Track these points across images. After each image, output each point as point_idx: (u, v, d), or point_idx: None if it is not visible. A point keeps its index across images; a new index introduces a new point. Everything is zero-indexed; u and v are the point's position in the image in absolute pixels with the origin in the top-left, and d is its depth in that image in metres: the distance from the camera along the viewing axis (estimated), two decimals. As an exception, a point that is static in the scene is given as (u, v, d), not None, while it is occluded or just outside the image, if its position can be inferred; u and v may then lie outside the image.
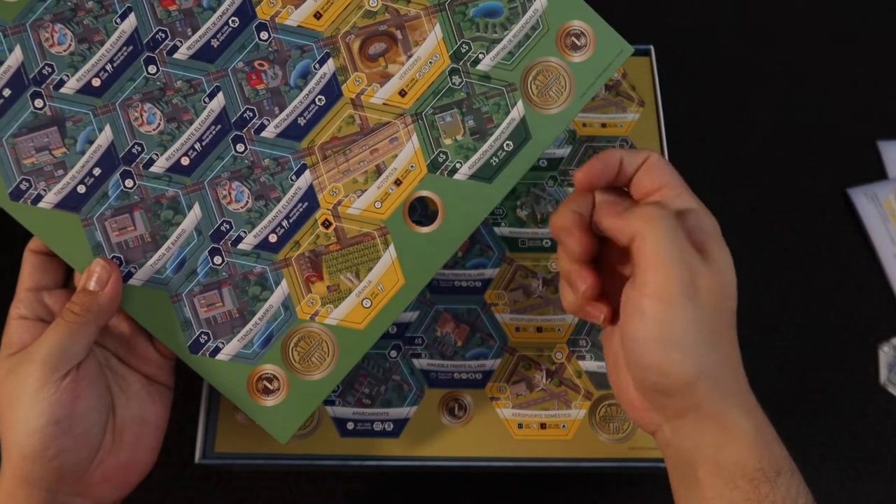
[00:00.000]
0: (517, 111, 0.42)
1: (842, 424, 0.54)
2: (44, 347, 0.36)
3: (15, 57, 0.39)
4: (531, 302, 0.50)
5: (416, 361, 0.49)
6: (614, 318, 0.37)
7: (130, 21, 0.40)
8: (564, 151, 0.53)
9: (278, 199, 0.41)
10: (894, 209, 0.60)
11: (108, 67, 0.40)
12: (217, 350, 0.41)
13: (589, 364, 0.50)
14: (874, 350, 0.56)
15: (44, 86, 0.40)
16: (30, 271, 0.40)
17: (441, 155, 0.42)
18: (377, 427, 0.47)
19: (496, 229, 0.52)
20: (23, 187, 0.40)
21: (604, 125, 0.54)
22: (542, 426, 0.48)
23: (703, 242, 0.34)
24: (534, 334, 0.50)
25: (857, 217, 0.60)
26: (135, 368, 0.42)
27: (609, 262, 0.39)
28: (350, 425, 0.47)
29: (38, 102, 0.40)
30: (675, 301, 0.32)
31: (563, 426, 0.48)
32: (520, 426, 0.48)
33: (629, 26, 0.65)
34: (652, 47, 0.55)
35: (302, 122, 0.41)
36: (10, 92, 0.40)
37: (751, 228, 0.59)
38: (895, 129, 0.63)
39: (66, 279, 0.42)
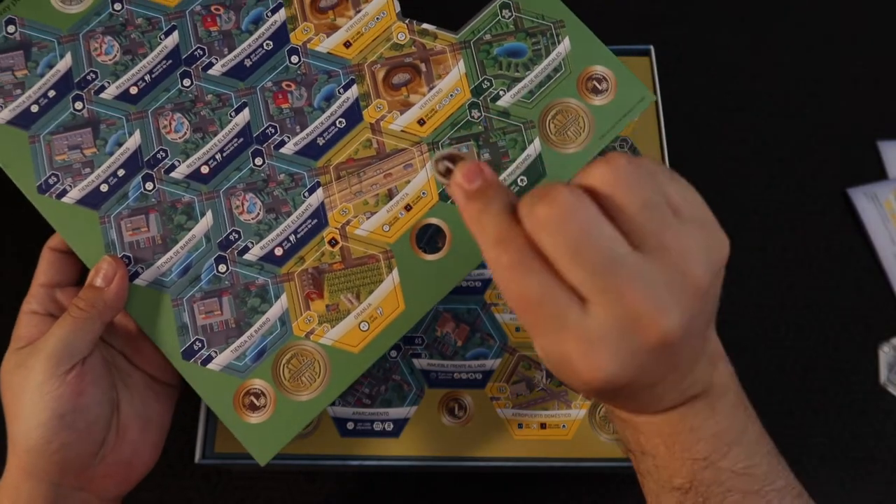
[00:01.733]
0: (534, 148, 0.42)
1: (842, 424, 0.53)
2: (50, 342, 0.37)
3: (65, 62, 0.42)
4: None
5: (416, 361, 0.48)
6: None
7: (173, 38, 0.42)
8: None
9: (288, 214, 0.41)
10: (894, 209, 0.59)
11: (147, 77, 0.42)
12: (209, 359, 0.40)
13: None
14: (874, 350, 0.55)
15: (86, 90, 0.42)
16: (45, 268, 0.41)
17: (454, 184, 0.41)
18: (377, 427, 0.46)
19: None
20: (51, 181, 0.41)
21: None
22: (542, 426, 0.47)
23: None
24: None
25: (857, 217, 0.59)
26: (140, 368, 0.42)
27: None
28: (350, 425, 0.46)
29: (78, 105, 0.42)
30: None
31: (563, 426, 0.47)
32: (520, 426, 0.47)
33: (629, 26, 0.66)
34: (652, 47, 0.55)
35: (321, 142, 0.42)
36: (54, 93, 0.42)
37: (751, 228, 0.59)
38: (895, 129, 0.63)
39: (79, 278, 0.42)
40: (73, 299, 0.38)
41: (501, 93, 0.43)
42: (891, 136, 0.62)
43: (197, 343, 0.41)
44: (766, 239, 0.59)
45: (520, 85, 0.43)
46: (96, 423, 0.37)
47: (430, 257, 0.41)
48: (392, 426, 0.47)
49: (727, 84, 0.64)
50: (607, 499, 0.50)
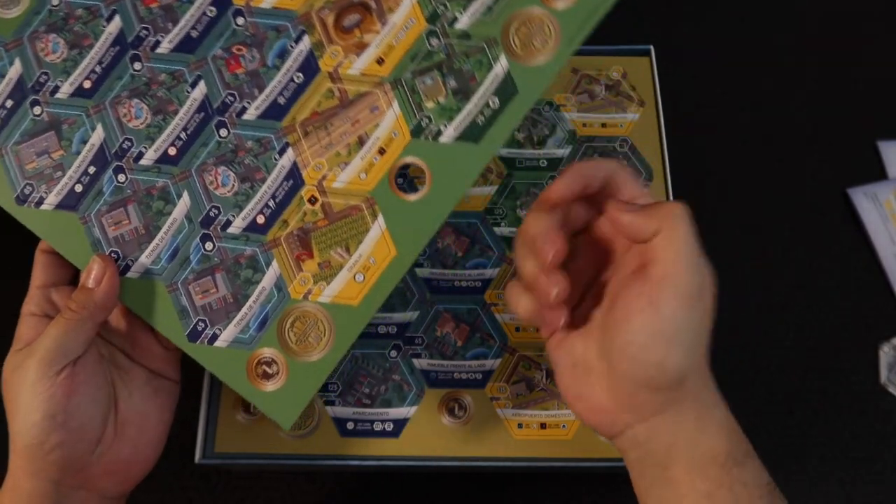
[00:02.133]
0: (500, 66, 0.40)
1: (842, 424, 0.54)
2: (42, 343, 0.37)
3: (15, 69, 0.41)
4: None
5: (416, 361, 0.48)
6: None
7: (116, 23, 0.41)
8: (564, 151, 0.53)
9: (263, 180, 0.41)
10: (894, 209, 0.59)
11: (98, 69, 0.41)
12: (215, 337, 0.40)
13: None
14: (874, 350, 0.56)
15: (41, 93, 0.41)
16: (39, 270, 0.42)
17: (424, 119, 0.40)
18: (377, 427, 0.47)
19: (496, 229, 0.51)
20: (27, 191, 0.41)
21: (604, 125, 0.54)
22: (542, 426, 0.47)
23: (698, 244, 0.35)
24: (534, 334, 0.49)
25: (857, 217, 0.60)
26: (139, 363, 0.42)
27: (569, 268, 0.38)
28: (350, 425, 0.47)
29: (37, 109, 0.41)
30: (691, 300, 0.33)
31: (563, 426, 0.47)
32: (520, 426, 0.47)
33: (629, 26, 0.65)
34: (652, 47, 0.55)
35: (282, 101, 0.41)
36: (11, 103, 0.41)
37: (751, 228, 0.59)
38: (895, 129, 0.63)
39: (73, 276, 0.43)
40: (66, 301, 0.39)
41: (458, 14, 0.41)
42: (891, 136, 0.62)
43: (200, 323, 0.41)
44: (766, 239, 0.59)
45: (477, 3, 0.41)
46: (90, 423, 0.38)
47: (412, 197, 0.40)
48: (392, 426, 0.47)
49: (727, 84, 0.64)
50: (607, 499, 0.51)
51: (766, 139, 0.62)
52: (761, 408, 0.53)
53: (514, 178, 0.52)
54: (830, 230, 0.59)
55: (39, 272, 0.42)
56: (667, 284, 0.33)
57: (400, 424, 0.47)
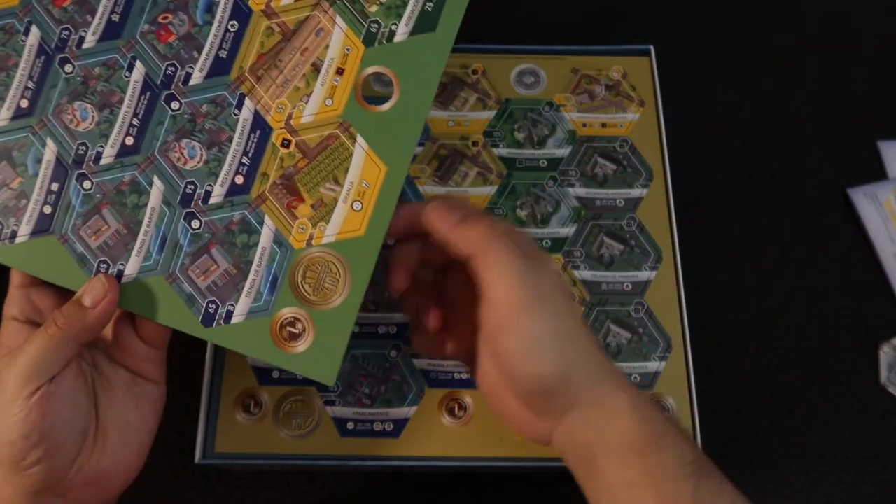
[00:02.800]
0: (431, -52, 0.38)
1: (842, 424, 0.54)
2: (19, 360, 0.35)
3: (-53, 112, 0.39)
4: None
5: (416, 361, 0.47)
6: (468, 357, 0.40)
7: (34, 34, 0.40)
8: (564, 151, 0.53)
9: (230, 140, 0.38)
10: (894, 209, 0.60)
11: (30, 84, 0.39)
12: (230, 314, 0.38)
13: None
14: (874, 350, 0.56)
15: (-20, 128, 0.39)
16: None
17: (372, 25, 0.38)
18: (377, 427, 0.46)
19: None
20: (-4, 230, 0.39)
21: (604, 125, 0.54)
22: None
23: (530, 251, 0.36)
24: None
25: (857, 217, 0.60)
26: (121, 364, 0.40)
27: (452, 296, 0.41)
28: (350, 425, 0.46)
29: (-19, 145, 0.39)
30: (527, 308, 0.35)
31: None
32: None
33: (629, 26, 0.65)
34: (652, 47, 0.55)
35: (223, 54, 0.39)
36: (-46, 147, 0.39)
37: (751, 228, 0.59)
38: (895, 129, 0.63)
39: None
40: (54, 313, 0.36)
41: (372, -88, 0.38)
42: (891, 136, 0.63)
43: (210, 306, 0.38)
44: (766, 239, 0.58)
45: None
46: (67, 440, 0.36)
47: (385, 107, 0.38)
48: (392, 426, 0.46)
49: (727, 84, 0.64)
50: None
51: (766, 139, 0.62)
52: (761, 408, 0.53)
53: (514, 178, 0.52)
54: (830, 230, 0.59)
55: (18, 271, 0.40)
56: (499, 305, 0.35)
57: (400, 424, 0.46)
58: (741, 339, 0.55)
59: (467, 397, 0.46)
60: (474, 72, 0.54)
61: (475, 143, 0.52)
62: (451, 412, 0.46)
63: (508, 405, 0.38)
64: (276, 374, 0.47)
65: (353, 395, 0.46)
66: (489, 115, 0.53)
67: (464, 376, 0.47)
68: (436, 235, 0.38)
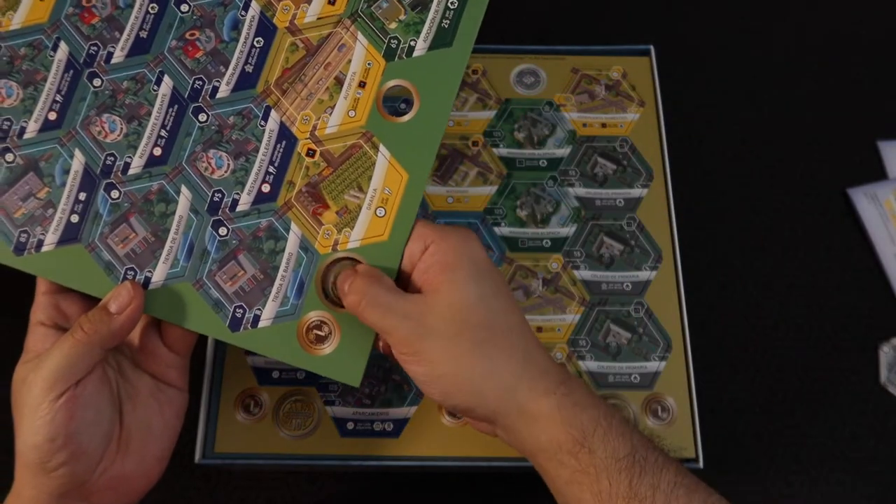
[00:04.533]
0: (447, -31, 0.40)
1: (842, 424, 0.54)
2: (46, 364, 0.37)
3: (-26, 125, 0.40)
4: (531, 302, 0.50)
5: None
6: None
7: (63, 49, 0.41)
8: (564, 151, 0.54)
9: (256, 150, 0.40)
10: (894, 209, 0.60)
11: (58, 98, 0.41)
12: (257, 319, 0.39)
13: (589, 364, 0.49)
14: (874, 350, 0.56)
15: (8, 140, 0.40)
16: None
17: (392, 41, 0.40)
18: (377, 427, 0.47)
19: (496, 229, 0.51)
20: (23, 239, 0.40)
21: (604, 125, 0.54)
22: None
23: (433, 280, 0.37)
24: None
25: (857, 217, 0.60)
26: (145, 370, 0.42)
27: None
28: (350, 425, 0.47)
29: (9, 156, 0.40)
30: (414, 352, 0.36)
31: None
32: None
33: (629, 26, 0.67)
34: (652, 47, 0.56)
35: (249, 69, 0.40)
36: (-19, 159, 0.40)
37: (751, 228, 0.60)
38: (895, 129, 0.63)
39: None
40: (81, 318, 0.38)
41: (390, -64, 0.41)
42: (891, 136, 0.63)
43: (238, 311, 0.39)
44: (766, 239, 0.60)
45: (403, -81, 0.41)
46: (91, 443, 0.38)
47: (406, 118, 0.40)
48: (392, 426, 0.47)
49: (727, 84, 0.65)
50: None
51: (766, 139, 0.63)
52: (761, 408, 0.54)
53: (513, 178, 0.53)
54: (830, 230, 0.60)
55: (44, 278, 0.41)
56: (399, 357, 0.37)
57: (400, 424, 0.47)
58: (741, 339, 0.56)
59: None
60: (474, 72, 0.55)
61: (475, 143, 0.53)
62: (451, 412, 0.47)
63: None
64: (276, 374, 0.48)
65: (353, 395, 0.47)
66: (489, 115, 0.54)
67: None
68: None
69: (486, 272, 0.38)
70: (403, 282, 0.39)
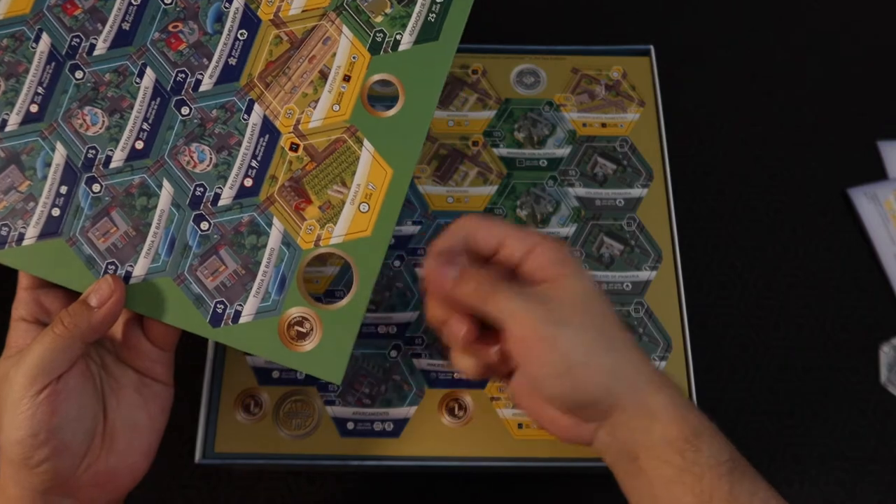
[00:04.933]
0: (435, -40, 0.39)
1: (842, 424, 0.54)
2: (26, 359, 0.36)
3: (-44, 118, 0.40)
4: None
5: (416, 361, 0.48)
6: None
7: (45, 41, 0.41)
8: (564, 151, 0.54)
9: (239, 144, 0.39)
10: (894, 209, 0.60)
11: (40, 90, 0.40)
12: (238, 315, 0.38)
13: None
14: (874, 350, 0.56)
15: (-10, 132, 0.40)
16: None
17: (378, 34, 0.40)
18: (377, 427, 0.46)
19: None
20: (3, 233, 0.40)
21: (604, 125, 0.54)
22: None
23: (549, 273, 0.37)
24: None
25: (857, 217, 0.60)
26: (129, 364, 0.41)
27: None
28: (350, 425, 0.46)
29: (-9, 149, 0.40)
30: (545, 337, 0.35)
31: None
32: (520, 426, 0.47)
33: (629, 26, 0.67)
34: (652, 47, 0.56)
35: (233, 61, 0.40)
36: (-37, 152, 0.40)
37: (751, 228, 0.59)
38: (895, 129, 0.63)
39: None
40: (60, 313, 0.38)
41: (377, -74, 0.40)
42: (891, 136, 0.63)
43: (219, 306, 0.39)
44: (766, 239, 0.59)
45: None
46: (74, 439, 0.37)
47: (391, 112, 0.39)
48: (392, 426, 0.47)
49: (727, 84, 0.65)
50: (607, 499, 0.49)
51: (766, 139, 0.62)
52: (761, 408, 0.54)
53: (513, 178, 0.52)
54: (830, 230, 0.60)
55: (26, 273, 0.40)
56: (516, 340, 0.36)
57: (400, 424, 0.47)
58: (741, 339, 0.55)
59: (467, 397, 0.47)
60: (474, 72, 0.55)
61: (475, 143, 0.53)
62: (451, 412, 0.47)
63: (546, 414, 0.38)
64: (276, 374, 0.48)
65: (353, 395, 0.47)
66: (489, 115, 0.54)
67: (464, 376, 0.48)
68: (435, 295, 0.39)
69: (587, 278, 0.38)
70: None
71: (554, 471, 0.49)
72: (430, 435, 0.46)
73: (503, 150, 0.53)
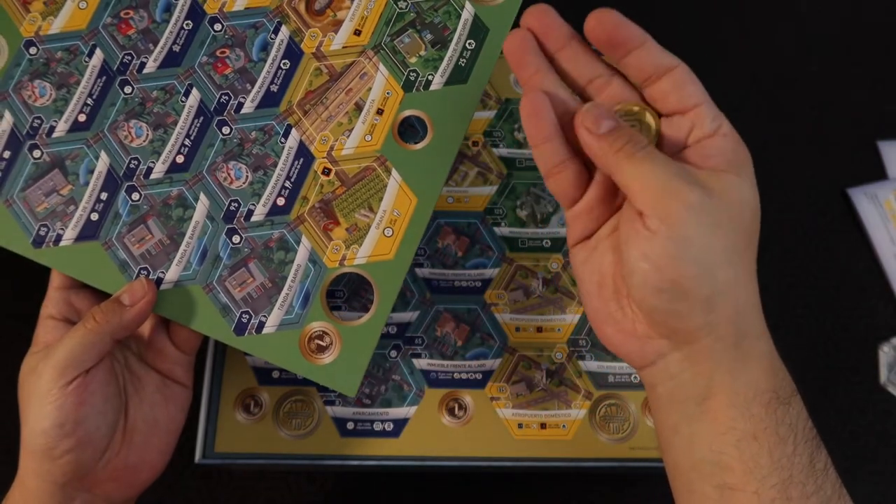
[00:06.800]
0: (467, 12, 0.43)
1: (842, 424, 0.55)
2: (57, 351, 0.38)
3: (6, 121, 0.42)
4: (531, 302, 0.51)
5: (416, 361, 0.50)
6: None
7: (98, 56, 0.43)
8: None
9: (275, 165, 0.42)
10: (894, 209, 0.60)
11: (89, 101, 0.43)
12: (261, 325, 0.41)
13: (589, 364, 0.50)
14: (874, 350, 0.57)
15: (37, 137, 0.42)
16: (58, 271, 0.43)
17: (412, 73, 0.43)
18: (377, 427, 0.48)
19: (496, 229, 0.53)
20: (42, 233, 0.41)
21: None
22: (542, 426, 0.48)
23: (716, 163, 0.33)
24: (534, 334, 0.51)
25: (857, 217, 0.61)
26: (152, 366, 0.44)
27: None
28: (350, 425, 0.48)
29: (36, 153, 0.42)
30: (683, 218, 0.30)
31: (563, 426, 0.48)
32: (520, 426, 0.48)
33: None
34: None
35: (274, 88, 0.43)
36: (9, 153, 0.42)
37: None
38: (895, 129, 0.64)
39: None
40: (92, 308, 0.40)
41: (417, -24, 0.44)
42: (891, 136, 0.64)
43: (244, 316, 0.41)
44: (766, 239, 0.62)
45: (430, -37, 0.44)
46: (98, 432, 0.39)
47: (419, 146, 0.43)
48: (392, 426, 0.48)
49: (727, 84, 0.65)
50: (607, 499, 0.52)
51: (765, 139, 0.63)
52: None
53: (513, 178, 0.54)
54: (830, 230, 0.60)
55: (58, 273, 0.43)
56: (647, 209, 0.31)
57: (400, 424, 0.48)
58: None
59: (467, 397, 0.49)
60: None
61: (475, 143, 0.54)
62: (451, 412, 0.48)
63: (621, 312, 0.34)
64: (276, 374, 0.49)
65: (353, 394, 0.49)
66: (489, 115, 0.55)
67: (464, 376, 0.49)
68: (591, 112, 0.33)
69: (756, 189, 0.34)
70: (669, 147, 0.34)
71: (554, 471, 0.50)
72: (430, 435, 0.47)
73: (503, 150, 0.54)
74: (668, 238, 0.30)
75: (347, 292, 0.48)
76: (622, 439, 0.48)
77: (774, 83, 0.66)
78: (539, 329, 0.50)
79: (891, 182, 0.62)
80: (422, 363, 0.49)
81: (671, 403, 0.32)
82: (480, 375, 0.49)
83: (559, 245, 0.52)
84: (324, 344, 0.42)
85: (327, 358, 0.42)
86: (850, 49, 0.68)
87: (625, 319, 0.33)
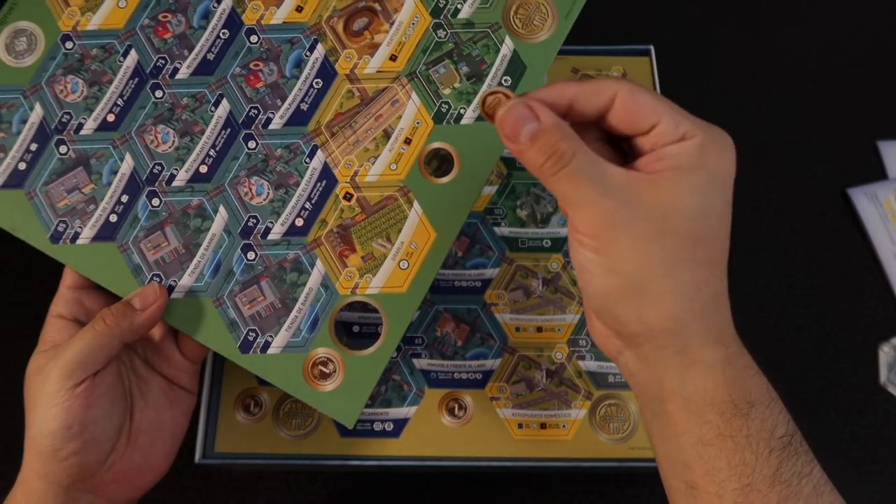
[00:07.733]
0: (507, 47, 0.42)
1: (842, 424, 0.54)
2: (67, 352, 0.38)
3: (36, 114, 0.42)
4: (531, 302, 0.51)
5: (416, 361, 0.49)
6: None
7: (132, 57, 0.43)
8: None
9: (297, 184, 0.42)
10: (894, 209, 0.60)
11: (120, 102, 0.43)
12: (267, 345, 0.40)
13: (589, 364, 0.50)
14: (874, 350, 0.57)
15: (65, 133, 0.42)
16: (71, 270, 0.43)
17: (443, 105, 0.42)
18: (377, 427, 0.48)
19: (496, 229, 0.53)
20: (60, 229, 0.42)
21: None
22: (542, 426, 0.48)
23: (657, 167, 0.32)
24: (534, 334, 0.50)
25: (857, 217, 0.61)
26: (158, 371, 0.44)
27: None
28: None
29: (63, 149, 0.42)
30: (607, 234, 0.31)
31: (563, 426, 0.48)
32: (520, 426, 0.48)
33: (629, 26, 0.70)
34: (652, 47, 0.57)
35: (304, 107, 0.42)
36: (36, 146, 0.42)
37: (751, 228, 0.61)
38: (895, 129, 0.64)
39: None
40: (103, 310, 0.40)
41: (459, 6, 0.43)
42: (891, 136, 0.64)
43: (251, 334, 0.41)
44: (766, 239, 0.61)
45: (474, -7, 0.43)
46: (104, 434, 0.39)
47: (444, 180, 0.42)
48: (392, 426, 0.48)
49: (727, 84, 0.66)
50: (607, 499, 0.52)
51: (765, 139, 0.64)
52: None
53: (513, 178, 0.54)
54: (830, 230, 0.60)
55: (71, 272, 0.43)
56: (576, 224, 0.31)
57: (400, 424, 0.48)
58: (741, 338, 0.56)
59: (467, 397, 0.48)
60: None
61: None
62: (451, 412, 0.48)
63: (590, 312, 0.35)
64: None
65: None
66: None
67: (464, 376, 0.49)
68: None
69: (721, 191, 0.33)
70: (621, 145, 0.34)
71: (554, 471, 0.50)
72: (430, 435, 0.48)
73: (504, 151, 0.53)
74: (595, 251, 0.31)
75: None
76: (622, 439, 0.48)
77: (774, 83, 0.66)
78: (539, 329, 0.50)
79: (891, 182, 0.61)
80: (422, 363, 0.49)
81: (640, 398, 0.34)
82: (480, 375, 0.49)
83: (559, 245, 0.52)
84: (327, 371, 0.41)
85: (329, 385, 0.41)
86: (850, 49, 0.67)
87: (593, 315, 0.35)
